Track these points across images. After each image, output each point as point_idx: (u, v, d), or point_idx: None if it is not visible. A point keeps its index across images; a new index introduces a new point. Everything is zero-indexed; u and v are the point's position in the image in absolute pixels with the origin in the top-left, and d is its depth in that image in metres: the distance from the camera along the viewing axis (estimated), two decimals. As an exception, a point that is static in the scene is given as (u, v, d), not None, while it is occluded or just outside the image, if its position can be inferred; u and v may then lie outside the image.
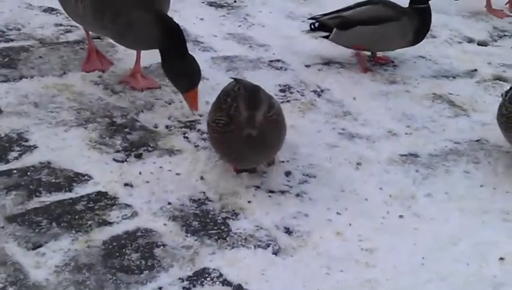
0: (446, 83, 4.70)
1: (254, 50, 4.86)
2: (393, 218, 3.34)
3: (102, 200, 3.25)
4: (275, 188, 3.45)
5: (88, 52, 4.36)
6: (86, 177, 3.39)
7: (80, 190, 3.30)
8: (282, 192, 3.44)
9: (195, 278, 2.88)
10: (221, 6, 5.53)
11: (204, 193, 3.38)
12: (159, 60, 3.87)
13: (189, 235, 3.10)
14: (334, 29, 4.62)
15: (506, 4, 6.12)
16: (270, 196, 3.40)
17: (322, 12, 4.79)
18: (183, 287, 2.83)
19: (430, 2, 4.67)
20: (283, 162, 3.63)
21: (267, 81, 4.32)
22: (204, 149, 3.66)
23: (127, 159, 3.55)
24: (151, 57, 4.22)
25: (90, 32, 4.30)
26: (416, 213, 3.38)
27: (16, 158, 3.46)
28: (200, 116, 3.93)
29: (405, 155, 3.83)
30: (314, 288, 2.89)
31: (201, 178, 3.46)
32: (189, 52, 3.83)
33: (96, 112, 3.90)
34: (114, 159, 3.54)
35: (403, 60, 4.93)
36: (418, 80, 4.68)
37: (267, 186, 3.45)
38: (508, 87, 3.90)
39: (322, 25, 4.66)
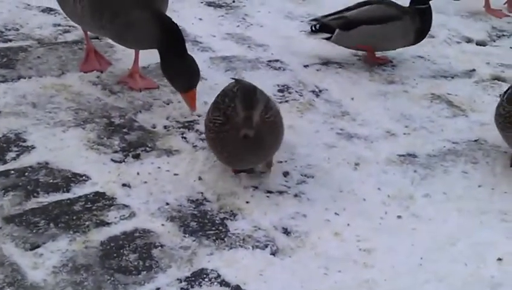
0: (444, 83, 4.69)
1: (253, 50, 4.86)
2: (391, 218, 3.34)
3: (100, 201, 3.24)
4: (273, 189, 3.45)
5: (86, 52, 4.36)
6: (83, 177, 3.38)
7: (78, 191, 3.30)
8: (280, 192, 3.44)
9: (193, 278, 2.88)
10: (220, 6, 5.53)
11: (202, 193, 3.38)
12: (158, 60, 3.87)
13: (187, 235, 3.10)
14: (337, 30, 4.62)
15: (504, 4, 6.12)
16: (268, 197, 3.39)
17: (321, 13, 4.79)
18: (181, 288, 2.83)
19: (430, 2, 4.68)
20: (281, 162, 3.63)
21: (266, 81, 4.32)
22: (203, 149, 3.66)
23: (125, 160, 3.55)
24: (150, 57, 4.22)
25: (88, 33, 4.30)
26: (415, 213, 3.38)
27: (14, 158, 3.46)
28: (199, 116, 3.93)
29: (403, 155, 3.83)
30: (312, 288, 2.89)
31: (200, 178, 3.46)
32: (188, 52, 3.83)
33: (94, 112, 3.90)
34: (112, 160, 3.54)
35: (401, 60, 4.93)
36: (416, 80, 4.68)
37: (265, 187, 3.45)
38: (507, 88, 3.90)
39: (323, 26, 4.65)
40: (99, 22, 3.85)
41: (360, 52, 4.89)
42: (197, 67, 3.81)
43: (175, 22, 3.84)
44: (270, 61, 4.73)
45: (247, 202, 3.33)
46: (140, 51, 4.18)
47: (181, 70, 3.78)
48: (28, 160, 3.46)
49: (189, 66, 3.80)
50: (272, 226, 3.21)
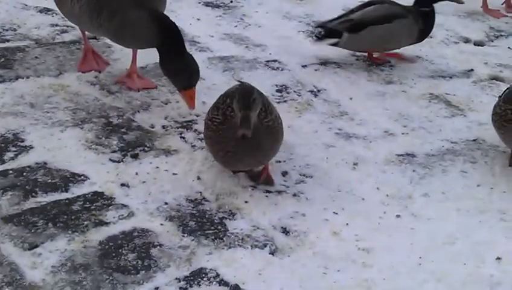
0: (443, 83, 4.70)
1: (251, 50, 4.85)
2: (390, 218, 3.34)
3: (99, 201, 3.24)
4: (271, 188, 3.44)
5: (84, 52, 4.35)
6: (82, 177, 3.38)
7: (76, 190, 3.29)
8: (279, 192, 3.43)
9: (192, 278, 2.87)
10: (218, 7, 5.53)
11: (201, 193, 3.37)
12: (156, 60, 3.87)
13: (186, 235, 3.10)
14: (345, 34, 4.59)
15: (502, 4, 6.13)
16: (267, 196, 3.39)
17: (319, 13, 4.79)
18: (180, 288, 2.82)
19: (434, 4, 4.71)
20: (280, 162, 3.63)
21: (264, 82, 4.32)
22: (201, 149, 3.65)
23: (124, 159, 3.54)
24: (148, 57, 4.22)
25: (86, 33, 4.30)
26: (413, 213, 3.38)
27: (12, 158, 3.45)
28: (197, 116, 3.92)
29: (402, 155, 3.83)
30: (311, 288, 2.88)
31: (198, 178, 3.45)
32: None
33: (93, 112, 3.90)
34: (110, 159, 3.53)
35: (399, 60, 4.93)
36: (414, 80, 4.68)
37: (263, 187, 3.44)
38: (505, 88, 3.90)
39: (329, 32, 4.62)
40: (97, 21, 3.84)
41: (358, 53, 4.88)
42: (196, 66, 3.81)
43: (173, 21, 3.84)
44: (268, 61, 4.72)
45: (246, 202, 3.33)
46: (138, 51, 4.17)
47: (181, 68, 3.78)
48: (26, 160, 3.45)
49: (189, 64, 3.80)
50: (271, 226, 3.21)
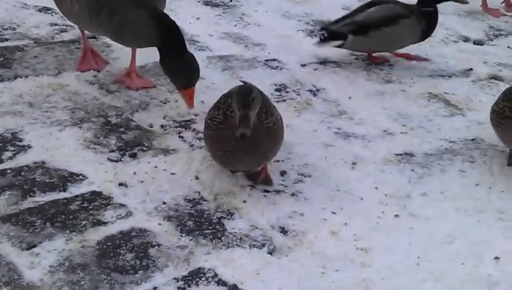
0: (442, 82, 4.69)
1: (250, 49, 4.85)
2: (388, 217, 3.34)
3: (97, 200, 3.24)
4: (270, 188, 3.44)
5: (83, 51, 4.35)
6: (80, 177, 3.38)
7: (74, 190, 3.29)
8: (278, 191, 3.43)
9: (190, 278, 2.87)
10: (217, 6, 5.53)
11: (199, 192, 3.37)
12: (155, 59, 3.86)
13: (184, 235, 3.09)
14: (350, 36, 4.58)
15: (502, 3, 6.13)
16: (265, 196, 3.39)
17: (318, 12, 4.78)
18: (178, 287, 2.82)
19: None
20: (278, 161, 3.63)
21: (263, 81, 4.32)
22: (200, 149, 3.65)
23: (122, 159, 3.54)
24: (147, 56, 4.22)
25: (85, 32, 4.29)
26: (412, 213, 3.38)
27: (10, 158, 3.45)
28: (196, 115, 3.92)
29: (400, 154, 3.83)
30: (310, 288, 2.88)
31: (196, 178, 3.45)
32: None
33: (91, 112, 3.90)
34: (109, 159, 3.53)
35: (398, 60, 4.93)
36: (413, 79, 4.67)
37: (262, 186, 3.44)
38: (504, 88, 3.89)
39: (334, 34, 4.60)
40: (96, 20, 3.84)
41: (357, 52, 4.88)
42: (197, 65, 3.81)
43: (173, 19, 3.84)
44: (267, 60, 4.72)
45: (244, 201, 3.32)
46: (137, 50, 4.17)
47: (181, 67, 3.78)
48: (24, 159, 3.45)
49: (189, 63, 3.80)
50: (269, 226, 3.21)
